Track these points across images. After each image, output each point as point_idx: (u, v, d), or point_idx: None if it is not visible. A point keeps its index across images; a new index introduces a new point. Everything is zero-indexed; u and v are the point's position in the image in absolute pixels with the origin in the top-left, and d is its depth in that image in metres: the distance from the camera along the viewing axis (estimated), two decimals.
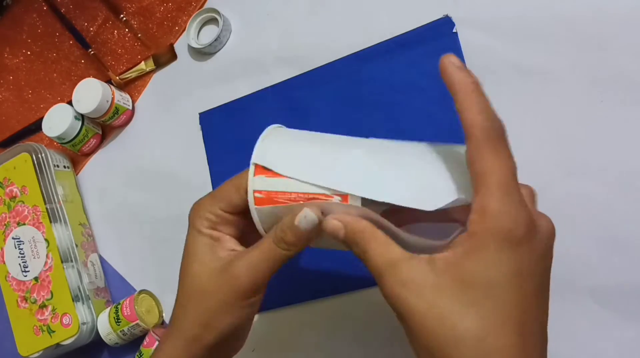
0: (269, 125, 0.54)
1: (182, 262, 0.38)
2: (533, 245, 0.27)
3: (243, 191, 0.35)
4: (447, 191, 0.29)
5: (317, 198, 0.33)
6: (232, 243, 0.37)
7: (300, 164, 0.34)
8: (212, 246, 0.36)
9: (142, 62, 0.64)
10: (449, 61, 0.28)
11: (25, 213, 0.60)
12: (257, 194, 0.34)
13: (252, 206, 0.35)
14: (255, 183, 0.34)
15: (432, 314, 0.26)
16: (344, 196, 0.32)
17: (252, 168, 0.35)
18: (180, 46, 0.62)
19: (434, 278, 0.27)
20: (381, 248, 0.30)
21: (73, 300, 0.57)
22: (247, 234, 0.38)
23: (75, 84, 0.61)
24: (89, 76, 0.63)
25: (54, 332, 0.57)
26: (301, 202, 0.33)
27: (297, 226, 0.33)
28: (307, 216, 0.33)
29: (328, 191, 0.32)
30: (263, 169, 0.34)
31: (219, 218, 0.36)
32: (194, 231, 0.37)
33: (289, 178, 0.33)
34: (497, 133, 0.27)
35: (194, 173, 0.58)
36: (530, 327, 0.26)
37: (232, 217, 0.37)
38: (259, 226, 0.36)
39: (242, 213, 0.36)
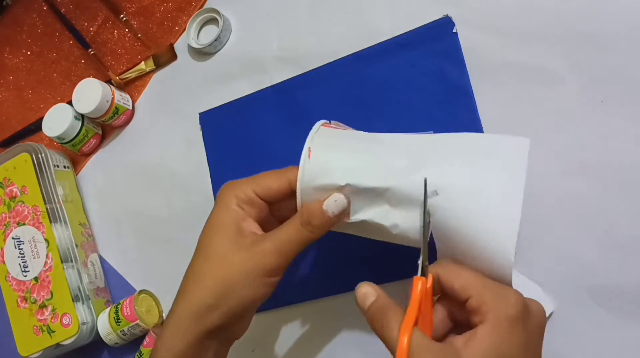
0: (269, 125, 0.55)
1: (203, 234, 0.38)
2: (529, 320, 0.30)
3: (284, 179, 0.37)
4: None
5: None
6: (254, 226, 0.38)
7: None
8: (238, 223, 0.37)
9: (142, 62, 0.64)
10: None
11: (25, 213, 0.60)
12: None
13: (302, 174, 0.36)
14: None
15: None
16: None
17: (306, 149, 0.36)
18: (180, 46, 0.62)
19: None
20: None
21: (73, 300, 0.57)
22: (265, 223, 0.39)
23: (75, 84, 0.61)
24: (89, 76, 0.63)
25: (53, 332, 0.57)
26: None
27: (325, 210, 0.34)
28: (337, 200, 0.34)
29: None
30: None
31: (248, 199, 0.37)
32: (222, 206, 0.38)
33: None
34: None
35: (194, 173, 0.58)
36: None
37: (260, 202, 0.38)
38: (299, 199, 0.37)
39: (271, 202, 0.38)
